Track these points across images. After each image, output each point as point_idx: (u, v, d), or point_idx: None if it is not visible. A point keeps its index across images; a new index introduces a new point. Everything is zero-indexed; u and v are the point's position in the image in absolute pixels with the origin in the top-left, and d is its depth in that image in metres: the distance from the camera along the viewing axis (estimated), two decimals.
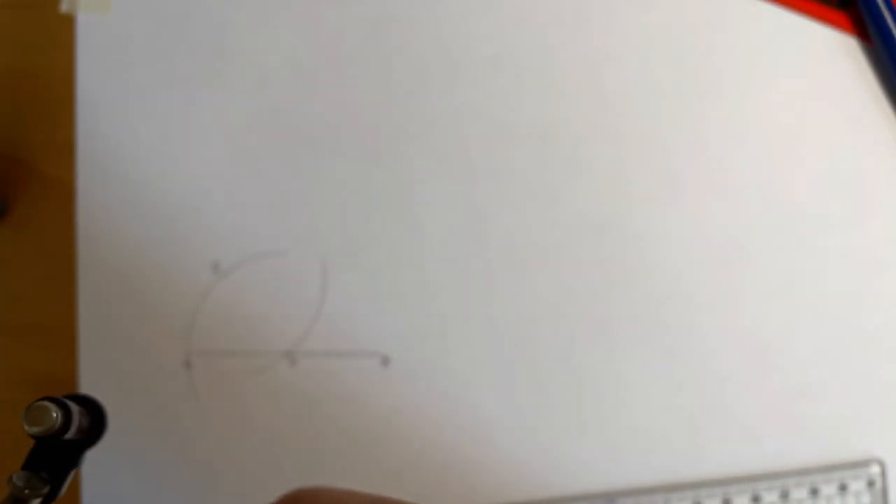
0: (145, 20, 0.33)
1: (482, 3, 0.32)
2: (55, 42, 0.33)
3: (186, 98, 0.33)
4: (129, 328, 0.33)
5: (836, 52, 0.32)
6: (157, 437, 0.33)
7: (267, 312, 0.32)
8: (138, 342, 0.33)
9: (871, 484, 0.30)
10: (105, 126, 0.33)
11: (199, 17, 0.33)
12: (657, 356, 0.31)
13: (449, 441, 0.32)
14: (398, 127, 0.32)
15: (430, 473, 0.32)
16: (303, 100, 0.33)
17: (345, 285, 0.32)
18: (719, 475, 0.31)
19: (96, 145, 0.33)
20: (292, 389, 0.32)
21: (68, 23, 0.33)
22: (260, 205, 0.33)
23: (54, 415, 0.21)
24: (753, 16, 0.32)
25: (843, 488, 0.30)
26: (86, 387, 0.33)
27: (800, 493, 0.30)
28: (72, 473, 0.22)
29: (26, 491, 0.21)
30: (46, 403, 0.21)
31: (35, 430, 0.21)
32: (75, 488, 0.33)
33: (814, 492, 0.30)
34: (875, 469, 0.30)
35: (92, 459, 0.32)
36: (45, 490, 0.21)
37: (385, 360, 0.32)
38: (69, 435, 0.21)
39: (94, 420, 0.24)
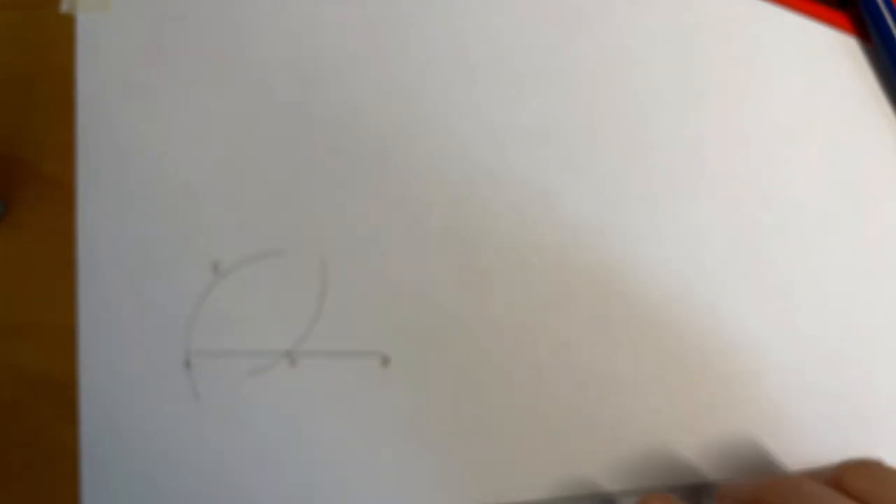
0: (145, 20, 0.33)
1: (482, 4, 0.32)
2: (55, 42, 0.33)
3: (186, 98, 0.33)
4: (129, 328, 0.33)
5: (836, 52, 0.32)
6: (156, 436, 0.33)
7: (267, 312, 0.32)
8: (138, 342, 0.33)
9: None
10: (105, 126, 0.33)
11: (198, 16, 0.33)
12: (656, 356, 0.31)
13: (448, 441, 0.32)
14: (398, 126, 0.32)
15: (430, 473, 0.32)
16: (303, 99, 0.33)
17: (345, 285, 0.32)
18: (719, 475, 0.31)
19: (96, 145, 0.33)
20: (292, 389, 0.32)
21: (68, 23, 0.33)
22: (260, 204, 0.33)
23: None
24: (753, 16, 0.32)
25: None
26: (85, 386, 0.33)
27: None
28: None
29: None
30: None
31: None
32: (75, 488, 0.33)
33: None
34: None
35: (92, 459, 0.33)
36: None
37: (385, 360, 0.32)
38: None
39: None
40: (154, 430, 0.33)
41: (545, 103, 0.32)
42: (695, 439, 0.31)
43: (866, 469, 0.27)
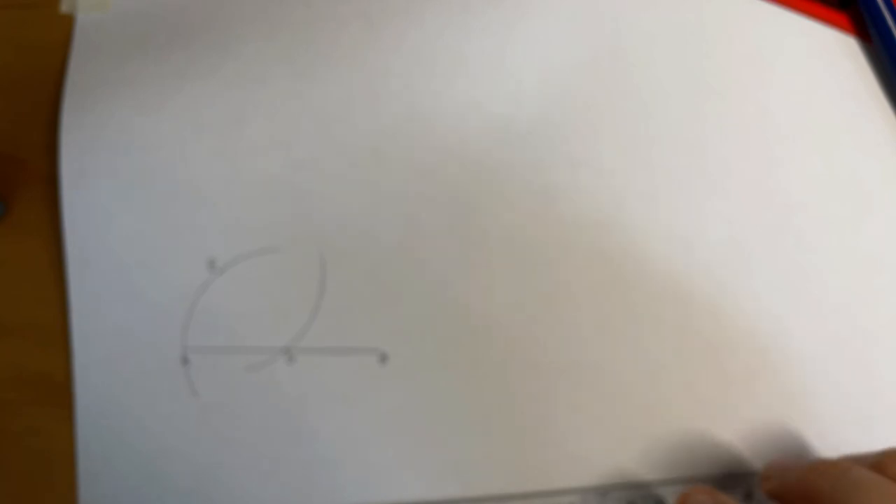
0: (144, 20, 0.33)
1: (482, 4, 0.32)
2: (55, 42, 0.33)
3: (184, 96, 0.33)
4: (126, 325, 0.33)
5: (836, 52, 0.32)
6: (154, 433, 0.33)
7: (264, 309, 0.32)
8: (135, 339, 0.33)
9: None
10: (103, 125, 0.33)
11: (196, 16, 0.33)
12: (656, 354, 0.31)
13: (446, 438, 0.32)
14: (396, 123, 0.32)
15: (428, 470, 0.32)
16: (299, 96, 0.33)
17: (343, 282, 0.32)
18: (718, 474, 0.31)
19: (92, 143, 0.33)
20: (290, 386, 0.32)
21: (68, 23, 0.33)
22: (256, 201, 0.33)
23: None
24: (754, 16, 0.32)
25: None
26: (82, 384, 0.33)
27: None
28: None
29: None
30: None
31: None
32: (73, 486, 0.33)
33: None
34: None
35: (88, 457, 0.33)
36: None
37: (383, 357, 0.32)
38: None
39: None
40: (151, 427, 0.33)
41: (544, 101, 0.32)
42: (694, 438, 0.31)
43: None
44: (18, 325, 0.33)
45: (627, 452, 0.31)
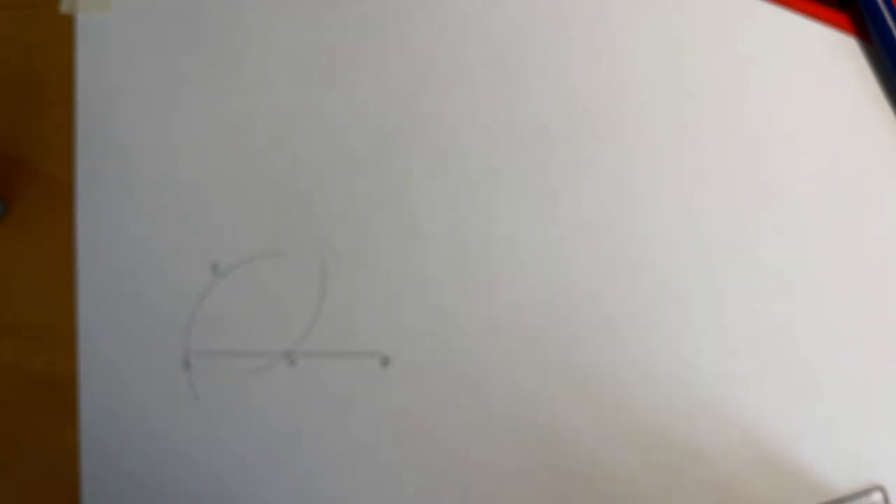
0: (145, 20, 0.33)
1: (482, 4, 0.32)
2: (55, 42, 0.33)
3: (186, 98, 0.33)
4: (129, 328, 0.33)
5: (836, 52, 0.32)
6: (156, 436, 0.33)
7: (266, 312, 0.33)
8: (137, 342, 0.33)
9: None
10: (104, 125, 0.33)
11: (198, 17, 0.33)
12: (657, 355, 0.31)
13: (448, 441, 0.32)
14: (398, 126, 0.32)
15: (430, 473, 0.32)
16: (302, 100, 0.33)
17: (344, 285, 0.32)
18: (718, 475, 0.31)
19: (96, 145, 0.33)
20: (292, 389, 0.32)
21: (68, 22, 0.33)
22: (259, 204, 0.33)
23: None
24: (754, 16, 0.32)
25: None
26: (85, 386, 0.33)
27: None
28: None
29: None
30: None
31: None
32: (75, 488, 0.33)
33: None
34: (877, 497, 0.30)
35: (92, 458, 0.33)
36: None
37: (385, 361, 0.32)
38: None
39: None
40: (153, 429, 0.33)
41: (546, 103, 0.32)
42: (694, 439, 0.31)
43: None
44: (18, 325, 0.34)
45: (632, 454, 0.31)
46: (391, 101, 0.32)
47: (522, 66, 0.32)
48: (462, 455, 0.32)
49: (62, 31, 0.33)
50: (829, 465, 0.30)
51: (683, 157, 0.32)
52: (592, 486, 0.31)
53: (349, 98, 0.32)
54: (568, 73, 0.32)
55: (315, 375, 0.32)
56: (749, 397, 0.31)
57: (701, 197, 0.32)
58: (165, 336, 0.33)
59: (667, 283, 0.32)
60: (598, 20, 0.32)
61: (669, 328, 0.31)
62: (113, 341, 0.33)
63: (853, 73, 0.32)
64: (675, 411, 0.31)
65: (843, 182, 0.32)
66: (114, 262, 0.33)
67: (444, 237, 0.32)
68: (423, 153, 0.32)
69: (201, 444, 0.33)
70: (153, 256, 0.33)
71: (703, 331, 0.31)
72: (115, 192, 0.33)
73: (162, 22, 0.33)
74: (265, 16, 0.33)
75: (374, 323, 0.32)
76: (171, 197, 0.33)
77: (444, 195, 0.32)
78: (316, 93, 0.33)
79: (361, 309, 0.32)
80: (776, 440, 0.31)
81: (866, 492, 0.30)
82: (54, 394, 0.33)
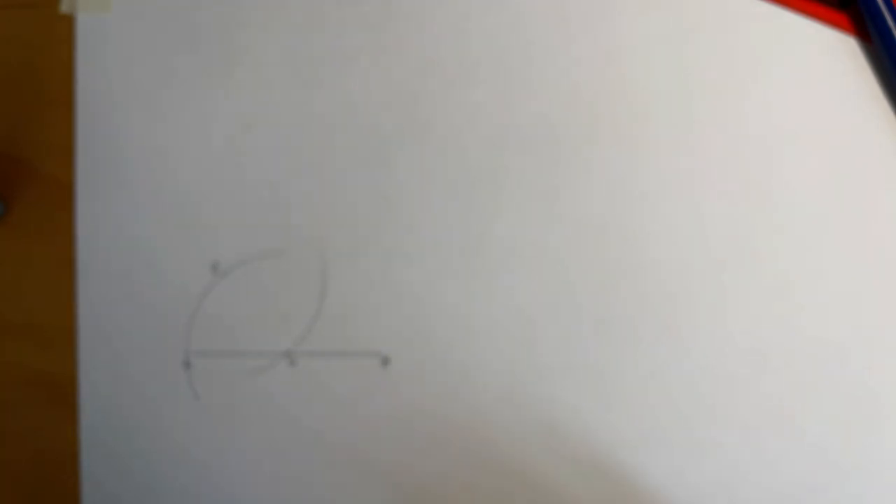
0: (145, 20, 0.33)
1: (483, 4, 0.32)
2: (55, 41, 0.33)
3: (186, 97, 0.33)
4: (129, 328, 0.33)
5: (836, 52, 0.32)
6: (156, 436, 0.33)
7: (266, 312, 0.33)
8: (138, 342, 0.33)
9: None
10: (104, 126, 0.33)
11: (198, 16, 0.33)
12: (657, 356, 0.31)
13: (449, 440, 0.32)
14: (399, 126, 0.32)
15: (430, 473, 0.32)
16: (302, 99, 0.33)
17: (345, 285, 0.32)
18: (719, 476, 0.31)
19: (96, 145, 0.33)
20: (292, 389, 0.32)
21: (68, 22, 0.33)
22: (259, 204, 0.33)
23: None
24: (754, 16, 0.32)
25: None
26: (85, 386, 0.33)
27: None
28: None
29: None
30: None
31: None
32: (76, 488, 0.33)
33: None
34: None
35: (92, 459, 0.33)
36: None
37: (385, 361, 0.32)
38: None
39: None
40: (154, 430, 0.33)
41: (546, 103, 0.32)
42: (694, 439, 0.31)
43: None
44: (18, 325, 0.34)
45: (635, 456, 0.31)
46: (391, 101, 0.32)
47: (523, 66, 0.32)
48: (462, 455, 0.32)
49: (62, 31, 0.33)
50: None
51: (684, 157, 0.32)
52: (593, 484, 0.31)
53: (349, 98, 0.33)
54: (569, 73, 0.32)
55: (315, 375, 0.32)
56: (750, 398, 0.31)
57: (701, 196, 0.32)
58: (165, 336, 0.33)
59: (667, 284, 0.32)
60: (600, 20, 0.32)
61: (669, 329, 0.31)
62: (113, 341, 0.33)
63: (853, 73, 0.32)
64: (673, 410, 0.31)
65: (843, 182, 0.32)
66: (114, 261, 0.33)
67: (445, 237, 0.32)
68: (423, 153, 0.32)
69: (201, 444, 0.33)
70: (153, 256, 0.33)
71: (703, 330, 0.31)
72: (115, 191, 0.33)
73: (162, 22, 0.33)
74: (265, 16, 0.33)
75: (374, 323, 0.32)
76: (171, 197, 0.33)
77: (444, 195, 0.32)
78: (316, 92, 0.33)
79: (362, 309, 0.32)
80: (776, 436, 0.31)
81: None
82: (54, 393, 0.33)
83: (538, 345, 0.32)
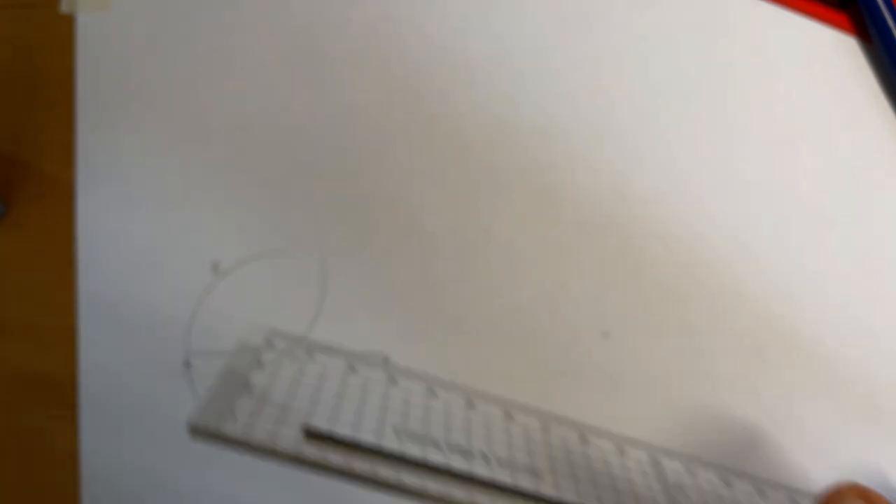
0: (145, 20, 0.33)
1: (482, 4, 0.32)
2: (55, 41, 0.33)
3: (186, 97, 0.33)
4: (129, 328, 0.33)
5: (836, 52, 0.32)
6: (157, 436, 0.33)
7: (267, 312, 0.33)
8: (138, 342, 0.33)
9: None
10: (105, 125, 0.33)
11: (198, 16, 0.33)
12: (658, 355, 0.31)
13: (448, 440, 0.32)
14: (398, 126, 0.32)
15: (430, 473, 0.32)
16: (302, 100, 0.33)
17: (345, 285, 0.33)
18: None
19: (96, 145, 0.33)
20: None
21: (68, 22, 0.33)
22: (260, 204, 0.33)
23: None
24: (753, 16, 0.32)
25: None
26: (85, 387, 0.33)
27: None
28: None
29: None
30: None
31: None
32: (76, 489, 0.33)
33: None
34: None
35: (92, 459, 0.33)
36: None
37: (386, 360, 0.32)
38: None
39: None
40: (154, 429, 0.33)
41: (545, 103, 0.32)
42: (694, 439, 0.31)
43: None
44: (18, 326, 0.34)
45: (631, 456, 0.31)
46: (391, 101, 0.33)
47: (523, 65, 0.32)
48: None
49: (62, 31, 0.33)
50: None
51: (684, 157, 0.32)
52: (597, 481, 0.31)
53: (349, 98, 0.33)
54: (568, 73, 0.32)
55: (316, 375, 0.32)
56: (749, 398, 0.31)
57: (701, 196, 0.32)
58: (166, 336, 0.33)
59: (667, 283, 0.32)
60: (599, 21, 0.32)
61: (669, 328, 0.31)
62: (113, 341, 0.33)
63: (853, 73, 0.32)
64: (673, 411, 0.31)
65: (843, 181, 0.32)
66: (114, 262, 0.33)
67: (445, 237, 0.32)
68: (423, 153, 0.32)
69: (202, 443, 0.33)
70: (154, 256, 0.33)
71: (701, 332, 0.31)
72: (116, 191, 0.33)
73: (162, 22, 0.33)
74: (265, 16, 0.33)
75: (374, 323, 0.32)
76: (171, 197, 0.33)
77: (444, 194, 0.32)
78: (316, 93, 0.33)
79: (362, 309, 0.32)
80: (775, 439, 0.31)
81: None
82: (54, 394, 0.33)
83: (538, 344, 0.32)
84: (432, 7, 0.33)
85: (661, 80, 0.32)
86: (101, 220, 0.33)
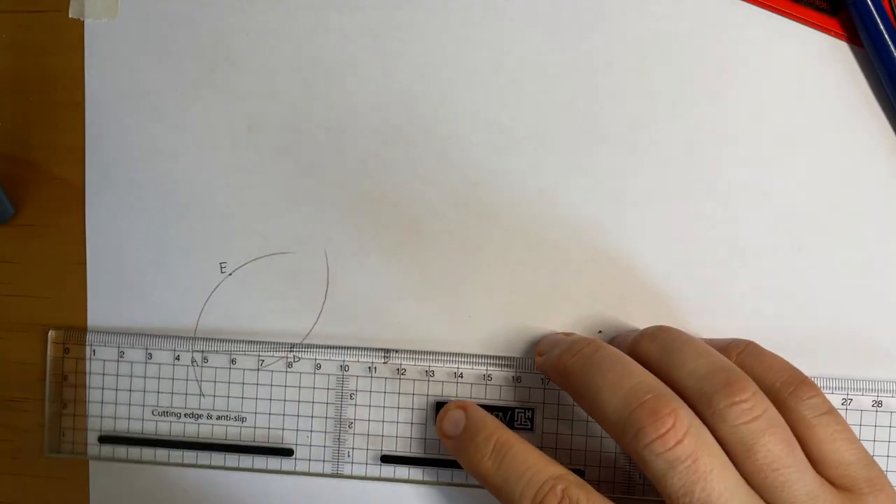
0: (151, 24, 0.33)
1: (481, 9, 0.32)
2: (64, 46, 0.33)
3: (193, 101, 0.33)
4: (138, 327, 0.33)
5: (827, 57, 0.31)
6: (160, 436, 0.33)
7: (271, 311, 0.33)
8: (146, 342, 0.33)
9: None
10: (113, 128, 0.33)
11: (204, 21, 0.33)
12: None
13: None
14: (400, 129, 0.32)
15: (431, 471, 0.33)
16: (306, 103, 0.33)
17: (347, 284, 0.33)
18: None
19: (105, 147, 0.33)
20: (294, 388, 0.33)
21: (77, 27, 0.33)
22: (265, 206, 0.33)
23: None
24: (746, 21, 0.32)
25: None
26: (93, 386, 0.33)
27: None
28: None
29: None
30: None
31: None
32: (84, 490, 0.33)
33: None
34: None
35: (96, 458, 0.33)
36: None
37: (387, 358, 0.32)
38: None
39: None
40: (156, 430, 0.33)
41: (543, 106, 0.32)
42: None
43: (657, 333, 0.28)
44: (29, 326, 0.34)
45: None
46: (393, 104, 0.32)
47: (520, 69, 0.32)
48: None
49: (71, 36, 0.33)
50: None
51: (678, 160, 0.32)
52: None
53: (352, 101, 0.32)
54: (566, 77, 0.32)
55: (318, 372, 0.33)
56: None
57: (694, 200, 0.32)
58: (174, 335, 0.33)
59: (661, 285, 0.32)
60: (595, 25, 0.32)
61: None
62: (122, 341, 0.33)
63: (844, 78, 0.32)
64: None
65: (835, 184, 0.32)
66: (123, 262, 0.33)
67: (446, 237, 0.32)
68: (424, 154, 0.32)
69: (205, 443, 0.33)
70: (161, 257, 0.33)
71: (700, 332, 0.32)
72: (125, 193, 0.33)
73: (168, 26, 0.33)
74: (270, 21, 0.33)
75: (376, 321, 0.33)
76: (179, 198, 0.33)
77: (444, 196, 0.32)
78: (320, 96, 0.33)
79: (364, 307, 0.33)
80: None
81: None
82: (62, 393, 0.33)
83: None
84: (433, 13, 0.32)
85: (655, 84, 0.32)
86: (111, 222, 0.33)
